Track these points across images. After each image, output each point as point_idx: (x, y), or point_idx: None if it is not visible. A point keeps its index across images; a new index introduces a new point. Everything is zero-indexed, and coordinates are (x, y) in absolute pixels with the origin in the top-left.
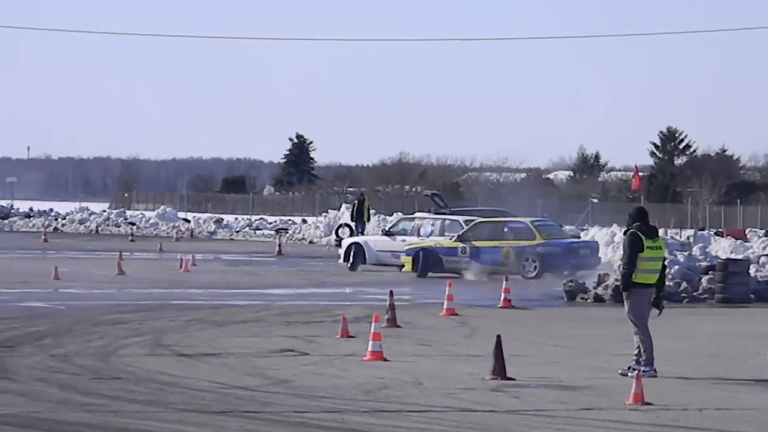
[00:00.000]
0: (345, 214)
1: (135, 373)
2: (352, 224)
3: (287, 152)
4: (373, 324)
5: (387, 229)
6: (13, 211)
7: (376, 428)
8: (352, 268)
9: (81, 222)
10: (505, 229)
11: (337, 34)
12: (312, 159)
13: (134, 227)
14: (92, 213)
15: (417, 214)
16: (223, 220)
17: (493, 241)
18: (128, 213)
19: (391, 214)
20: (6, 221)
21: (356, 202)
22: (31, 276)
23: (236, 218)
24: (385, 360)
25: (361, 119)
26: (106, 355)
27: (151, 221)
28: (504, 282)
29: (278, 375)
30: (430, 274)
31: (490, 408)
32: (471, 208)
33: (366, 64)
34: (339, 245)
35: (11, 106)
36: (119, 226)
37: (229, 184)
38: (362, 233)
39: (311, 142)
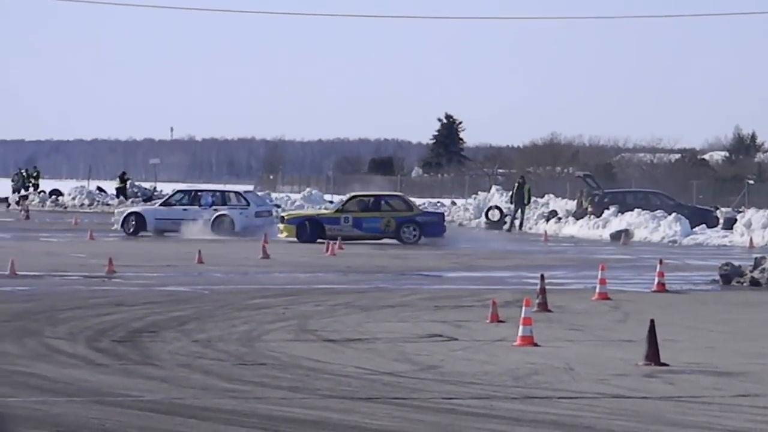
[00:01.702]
0: (495, 196)
1: (280, 358)
2: (504, 206)
3: (436, 133)
4: (523, 308)
5: (165, 199)
6: (156, 193)
7: (526, 415)
8: (133, 234)
9: None
10: (383, 202)
11: (488, 11)
12: (461, 140)
13: (279, 210)
14: None
15: (180, 186)
16: None
17: (373, 212)
18: (273, 195)
19: (542, 196)
20: (149, 204)
21: (517, 184)
22: (175, 260)
23: None
24: (536, 345)
25: (511, 99)
26: (250, 341)
27: (296, 204)
28: (658, 266)
29: (426, 361)
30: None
31: (643, 394)
32: (625, 190)
33: (515, 43)
34: (490, 227)
35: (154, 86)
36: None
37: (377, 165)
38: (522, 216)
39: (460, 123)
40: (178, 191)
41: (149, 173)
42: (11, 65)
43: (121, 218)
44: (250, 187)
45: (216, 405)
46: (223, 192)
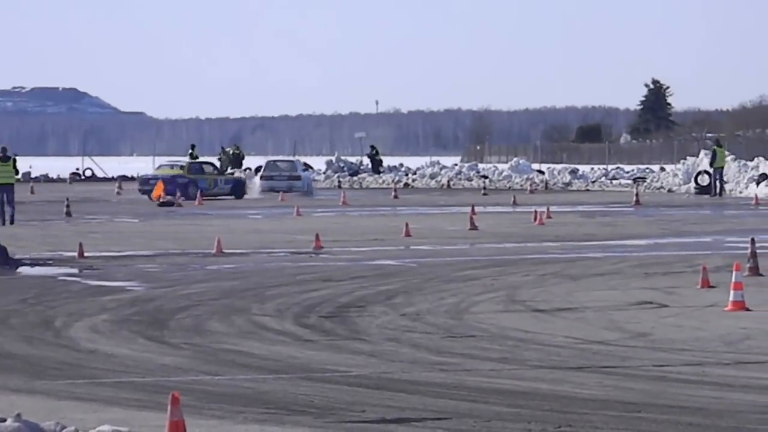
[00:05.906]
0: (704, 161)
1: (489, 330)
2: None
3: (643, 98)
4: (734, 273)
5: None
6: (362, 167)
7: (739, 380)
8: None
9: (432, 176)
10: None
11: None
12: (669, 105)
13: (487, 180)
14: (443, 167)
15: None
16: (578, 170)
17: None
18: (480, 166)
19: (752, 159)
20: (355, 178)
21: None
22: (382, 233)
23: (592, 168)
24: (748, 310)
25: (718, 61)
26: (458, 313)
27: (504, 174)
28: None
29: (636, 328)
30: None
31: None
32: None
33: (716, 2)
34: (699, 192)
35: (359, 60)
36: (471, 180)
37: (584, 133)
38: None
39: (668, 87)
40: None
41: (355, 147)
42: (215, 43)
43: None
44: (458, 159)
45: (425, 378)
46: None
